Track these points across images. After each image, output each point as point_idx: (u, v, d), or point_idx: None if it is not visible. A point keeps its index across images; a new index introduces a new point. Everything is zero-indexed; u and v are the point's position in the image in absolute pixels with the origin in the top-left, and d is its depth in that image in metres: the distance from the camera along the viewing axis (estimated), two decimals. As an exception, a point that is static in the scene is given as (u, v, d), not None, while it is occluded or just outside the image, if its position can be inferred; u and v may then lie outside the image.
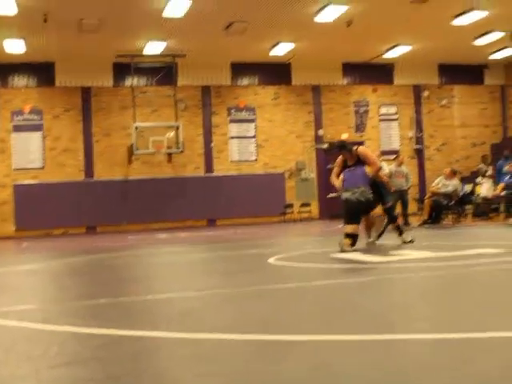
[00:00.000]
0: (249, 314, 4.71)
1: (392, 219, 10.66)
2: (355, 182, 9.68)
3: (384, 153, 22.43)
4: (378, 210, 10.66)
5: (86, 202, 21.98)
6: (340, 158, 10.17)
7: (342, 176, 9.98)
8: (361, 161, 9.91)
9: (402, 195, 16.17)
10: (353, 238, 9.44)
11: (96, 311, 5.12)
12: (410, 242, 10.20)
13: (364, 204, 9.61)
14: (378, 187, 10.19)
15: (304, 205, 23.69)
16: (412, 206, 19.52)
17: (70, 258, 11.16)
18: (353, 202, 9.53)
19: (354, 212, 9.57)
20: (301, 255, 9.48)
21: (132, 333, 4.10)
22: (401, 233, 10.44)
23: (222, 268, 8.32)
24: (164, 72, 22.47)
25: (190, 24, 18.59)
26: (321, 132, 24.53)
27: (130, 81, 22.48)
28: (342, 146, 10.12)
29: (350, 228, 9.48)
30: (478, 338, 3.51)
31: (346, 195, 9.66)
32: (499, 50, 23.85)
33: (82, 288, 6.97)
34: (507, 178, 15.92)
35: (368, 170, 9.82)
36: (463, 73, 25.96)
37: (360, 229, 9.76)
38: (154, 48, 20.85)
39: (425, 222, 16.03)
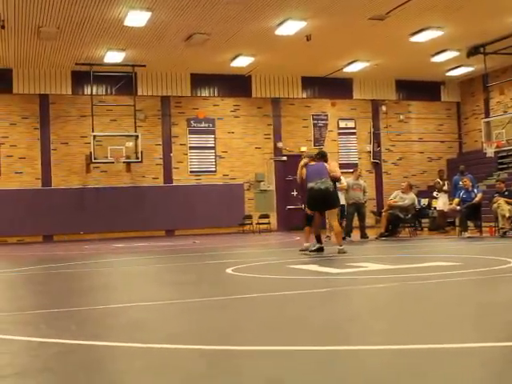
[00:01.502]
0: (204, 324, 4.69)
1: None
2: (319, 174, 11.12)
3: (342, 166, 22.65)
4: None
5: (43, 211, 21.66)
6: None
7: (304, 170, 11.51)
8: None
9: (359, 208, 16.33)
10: (308, 219, 11.36)
11: (50, 321, 5.04)
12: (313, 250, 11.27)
13: (323, 191, 11.01)
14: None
15: (263, 216, 23.74)
16: (369, 219, 19.73)
17: (24, 267, 10.98)
18: (315, 189, 11.02)
19: (315, 199, 11.14)
20: (259, 266, 9.49)
21: (86, 342, 4.05)
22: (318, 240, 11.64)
23: (179, 278, 8.28)
24: (124, 81, 22.37)
25: (150, 34, 18.58)
26: (280, 144, 24.66)
27: (89, 89, 22.29)
28: (323, 156, 11.70)
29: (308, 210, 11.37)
30: (431, 349, 3.56)
31: (310, 185, 11.12)
32: (455, 68, 24.35)
33: (35, 297, 6.86)
34: (462, 192, 16.18)
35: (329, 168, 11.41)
36: (420, 89, 26.42)
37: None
38: (113, 57, 20.74)
39: (382, 235, 16.18)
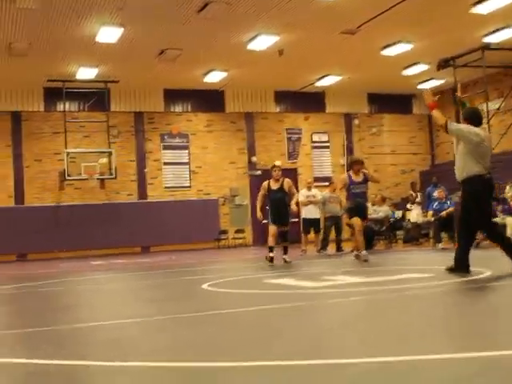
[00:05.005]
0: (182, 341, 4.67)
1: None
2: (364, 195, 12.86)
3: (317, 179, 22.88)
4: None
5: (17, 229, 21.39)
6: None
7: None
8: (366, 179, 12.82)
9: (336, 221, 16.38)
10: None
11: (24, 340, 4.98)
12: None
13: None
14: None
15: (238, 231, 23.72)
16: (344, 232, 19.77)
17: (-3, 287, 10.83)
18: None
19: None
20: (234, 281, 9.47)
21: (62, 362, 4.00)
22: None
23: (155, 295, 8.23)
24: (96, 97, 22.27)
25: (122, 50, 18.55)
26: (254, 159, 24.70)
27: (62, 106, 22.17)
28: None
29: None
30: (409, 361, 3.57)
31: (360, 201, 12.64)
32: (426, 81, 24.62)
33: (9, 317, 6.78)
34: (436, 204, 16.32)
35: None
36: (392, 102, 26.67)
37: None
38: (86, 73, 20.67)
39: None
